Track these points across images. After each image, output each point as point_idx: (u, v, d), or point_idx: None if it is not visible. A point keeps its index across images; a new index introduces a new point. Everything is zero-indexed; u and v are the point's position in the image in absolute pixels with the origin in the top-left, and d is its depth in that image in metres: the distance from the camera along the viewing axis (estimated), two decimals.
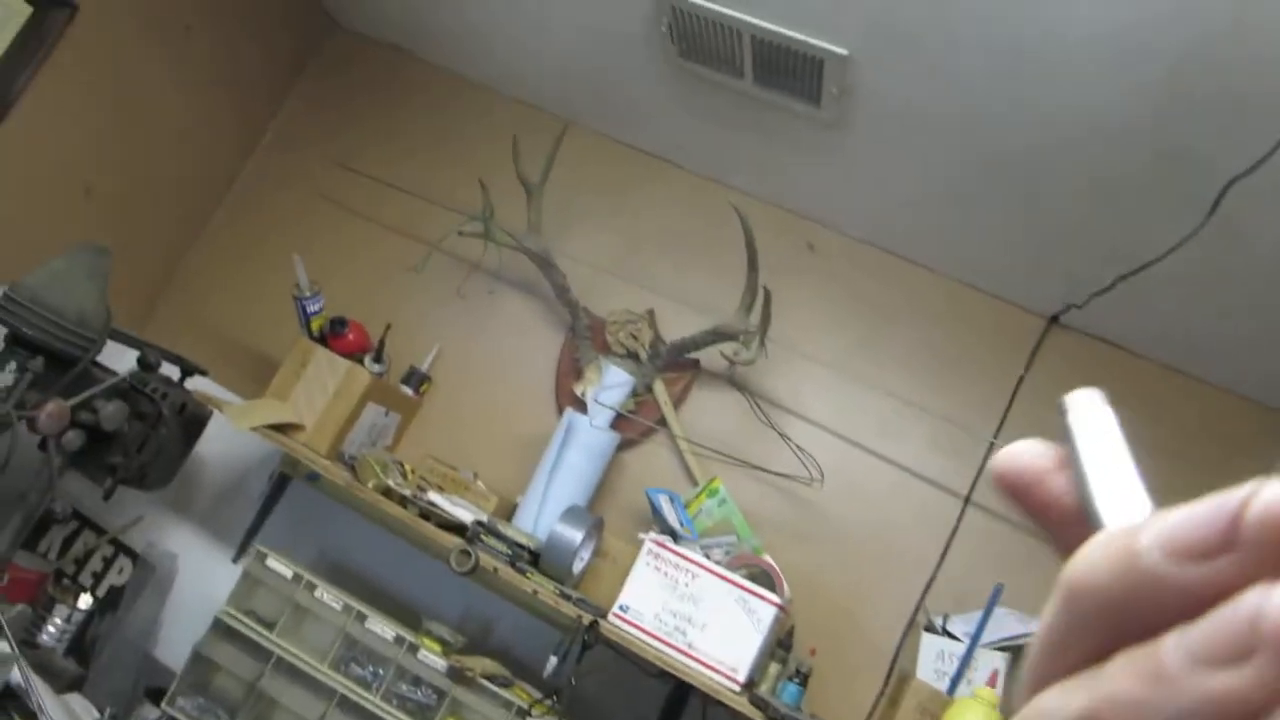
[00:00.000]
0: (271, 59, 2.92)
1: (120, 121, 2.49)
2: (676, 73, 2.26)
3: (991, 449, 2.36)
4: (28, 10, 2.10)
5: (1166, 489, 0.22)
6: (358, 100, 2.95)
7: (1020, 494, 0.24)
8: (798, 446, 2.37)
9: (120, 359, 2.05)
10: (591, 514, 2.17)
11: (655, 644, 1.94)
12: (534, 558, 2.08)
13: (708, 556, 2.03)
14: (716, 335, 2.34)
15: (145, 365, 2.02)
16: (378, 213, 2.80)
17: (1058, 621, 0.21)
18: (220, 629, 2.18)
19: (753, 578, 2.01)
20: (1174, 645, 0.19)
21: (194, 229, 2.89)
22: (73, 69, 2.28)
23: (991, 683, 1.89)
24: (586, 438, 2.31)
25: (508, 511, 2.32)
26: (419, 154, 2.85)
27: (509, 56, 2.67)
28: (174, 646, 2.40)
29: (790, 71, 2.02)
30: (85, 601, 2.30)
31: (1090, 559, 0.21)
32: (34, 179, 2.32)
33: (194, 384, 2.18)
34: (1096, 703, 0.20)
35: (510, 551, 2.03)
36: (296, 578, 2.19)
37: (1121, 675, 0.20)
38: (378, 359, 2.42)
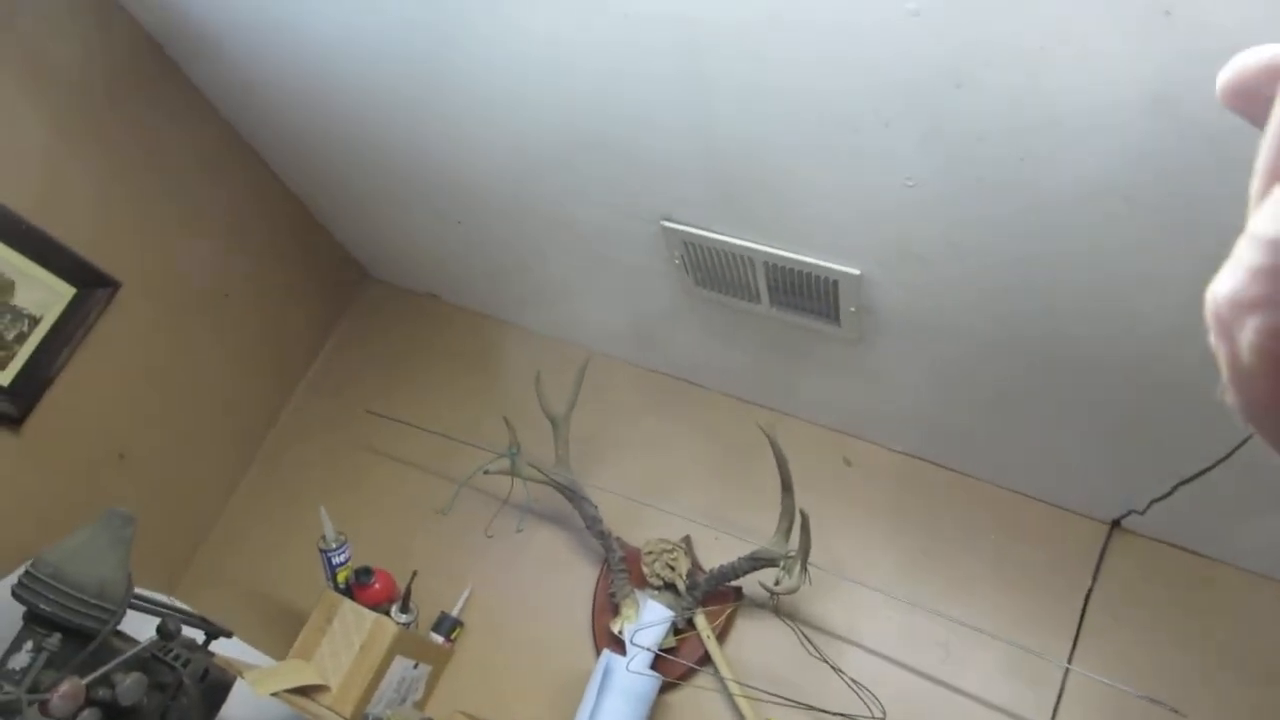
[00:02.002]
0: (306, 316, 3.04)
1: (157, 387, 2.56)
2: (695, 300, 2.29)
3: (1067, 674, 2.15)
4: (71, 292, 2.20)
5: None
6: (387, 346, 3.04)
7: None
8: (853, 680, 2.18)
9: (144, 625, 1.99)
10: None
11: None
12: None
13: None
14: (755, 561, 2.23)
15: (165, 633, 1.96)
16: (406, 455, 2.80)
17: None
18: None
19: None
20: None
21: (227, 487, 2.90)
22: (113, 342, 2.36)
23: None
24: (625, 681, 2.16)
25: None
26: (445, 393, 2.88)
27: (534, 296, 2.74)
28: None
29: (805, 293, 2.03)
30: None
31: None
32: (68, 451, 2.36)
33: (219, 646, 2.11)
34: None
35: None
36: None
37: None
38: (404, 608, 2.33)
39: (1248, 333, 0.20)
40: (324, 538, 2.29)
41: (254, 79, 2.28)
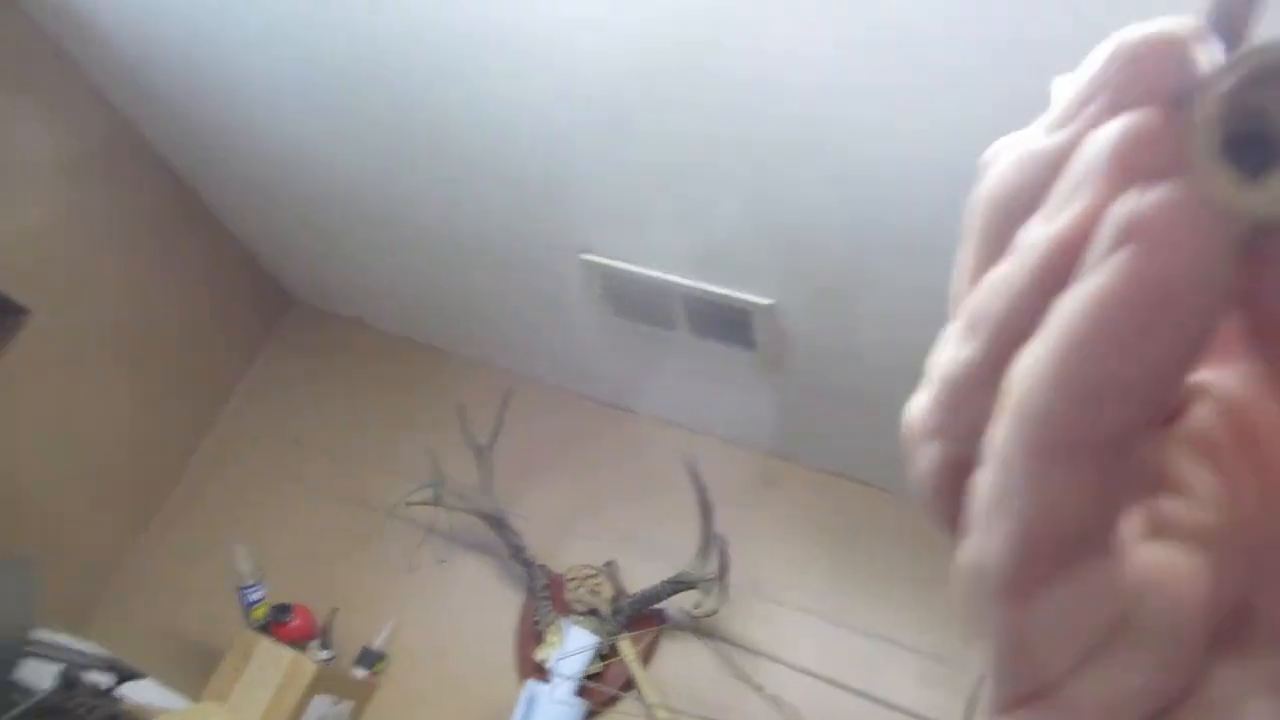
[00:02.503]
0: (228, 342, 2.98)
1: (68, 420, 2.48)
2: (615, 328, 2.31)
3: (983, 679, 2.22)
4: None
5: None
6: (312, 374, 3.00)
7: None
8: (775, 697, 2.22)
9: (49, 673, 1.93)
10: None
11: None
12: None
13: None
14: (677, 585, 2.26)
15: (69, 679, 1.90)
16: (330, 486, 2.76)
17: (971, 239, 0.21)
18: None
19: None
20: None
21: (141, 521, 2.82)
22: (21, 372, 2.29)
23: None
24: (550, 710, 2.16)
25: None
26: (370, 421, 2.85)
27: (459, 321, 2.74)
28: None
29: (721, 322, 2.07)
30: None
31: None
32: None
33: (131, 689, 2.05)
34: (973, 295, 0.20)
35: None
36: None
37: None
38: (325, 645, 2.30)
39: (921, 459, 0.20)
40: (240, 574, 2.25)
41: (171, 96, 2.24)
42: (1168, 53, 0.19)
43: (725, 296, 1.97)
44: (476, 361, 2.86)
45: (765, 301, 1.94)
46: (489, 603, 2.53)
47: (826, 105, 1.45)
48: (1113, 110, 0.20)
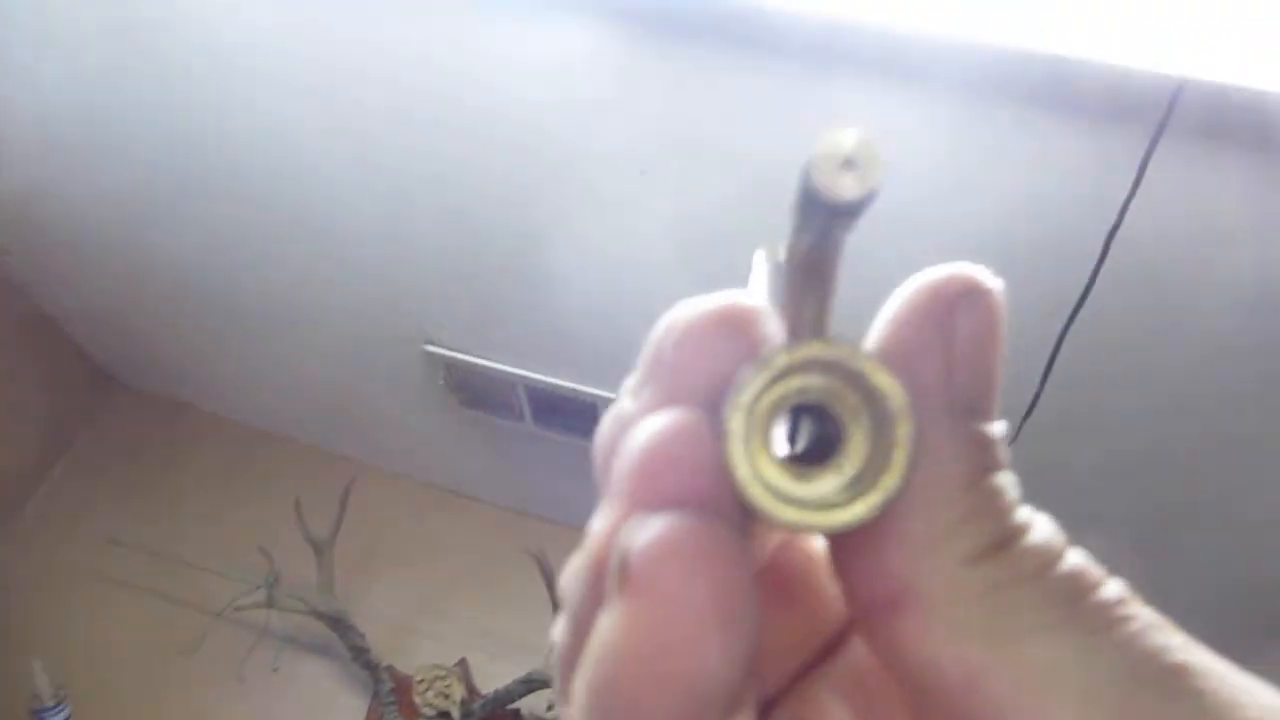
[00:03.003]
0: (36, 432, 2.74)
1: None
2: (461, 418, 2.25)
3: None
4: None
5: None
6: (134, 464, 2.78)
7: None
8: None
9: None
10: None
11: None
12: None
13: None
14: (530, 684, 2.18)
15: None
16: (152, 588, 2.55)
17: None
18: None
19: None
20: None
21: None
22: None
23: None
24: None
25: None
26: (199, 515, 2.67)
27: (296, 405, 2.61)
28: None
29: (569, 413, 2.05)
30: None
31: None
32: None
33: None
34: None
35: None
36: None
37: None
38: None
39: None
40: (37, 695, 2.04)
41: None
42: (718, 337, 0.20)
43: (573, 390, 1.94)
44: (316, 450, 2.73)
45: (611, 395, 1.92)
46: (329, 711, 2.38)
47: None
48: (659, 400, 0.20)
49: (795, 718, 0.24)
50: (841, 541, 0.20)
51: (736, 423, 0.19)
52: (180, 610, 2.50)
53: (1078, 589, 0.18)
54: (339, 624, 2.30)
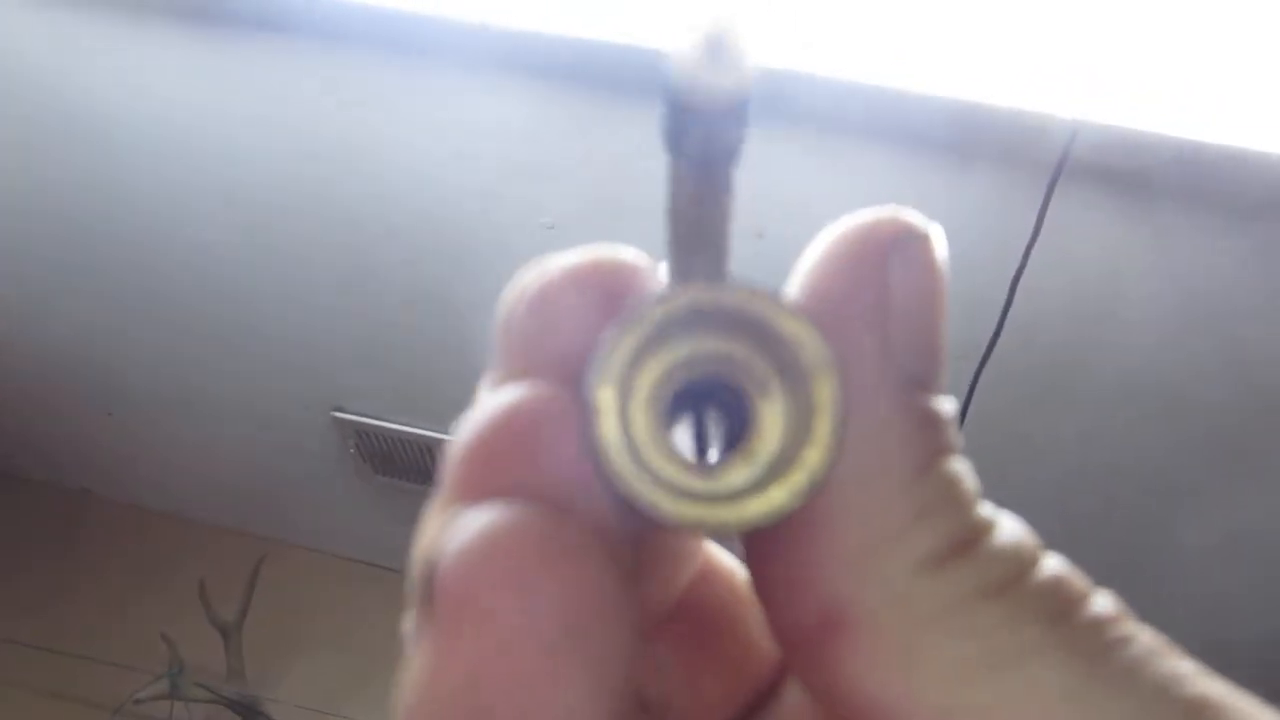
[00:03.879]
0: None
1: None
2: (376, 486, 2.18)
3: None
4: None
5: None
6: (25, 554, 2.61)
7: None
8: None
9: None
10: None
11: None
12: None
13: None
14: None
15: None
16: (45, 685, 2.38)
17: None
18: None
19: None
20: None
21: None
22: None
23: None
24: None
25: None
26: (96, 606, 2.50)
27: (198, 483, 2.48)
28: None
29: None
30: None
31: None
32: None
33: None
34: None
35: None
36: None
37: None
38: None
39: None
40: None
41: None
42: (582, 296, 0.16)
43: None
44: (222, 529, 2.60)
45: None
46: None
47: None
48: (505, 379, 0.16)
49: None
50: (760, 550, 0.16)
51: (605, 396, 0.15)
52: (75, 708, 2.33)
53: (1061, 603, 0.15)
54: (251, 712, 2.17)
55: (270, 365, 1.92)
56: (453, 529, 0.15)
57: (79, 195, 1.66)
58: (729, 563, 0.21)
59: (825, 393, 0.14)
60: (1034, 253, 1.17)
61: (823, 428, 0.14)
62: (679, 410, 0.16)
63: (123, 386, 2.16)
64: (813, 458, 0.14)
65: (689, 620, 0.20)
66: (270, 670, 2.33)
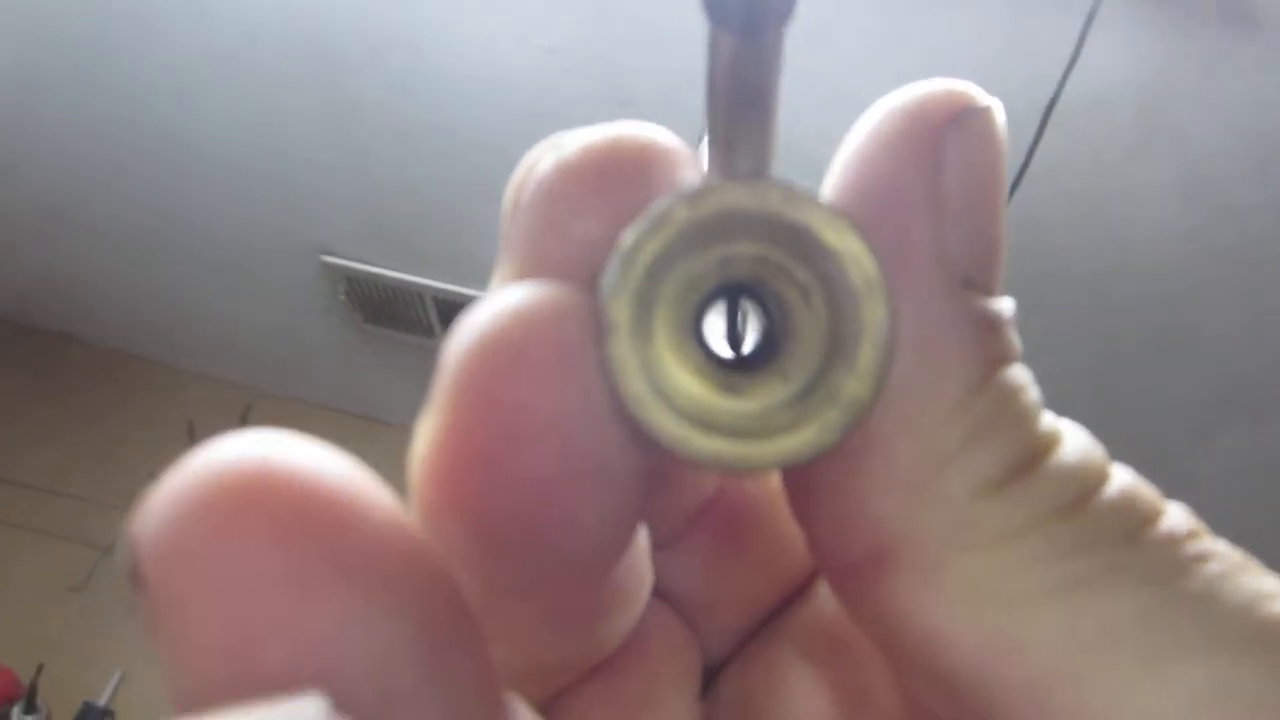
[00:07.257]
0: None
1: None
2: (366, 336, 2.16)
3: None
4: None
5: None
6: (9, 397, 2.59)
7: None
8: None
9: None
10: None
11: None
12: None
13: None
14: None
15: None
16: (35, 523, 2.40)
17: None
18: None
19: None
20: None
21: None
22: None
23: None
24: None
25: None
26: (84, 449, 2.51)
27: (186, 330, 2.46)
28: None
29: None
30: None
31: None
32: None
33: None
34: None
35: None
36: None
37: None
38: (30, 708, 2.00)
39: None
40: None
41: None
42: (601, 186, 0.14)
43: (480, 298, 1.87)
44: (209, 376, 2.59)
45: None
46: None
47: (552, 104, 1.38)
48: (514, 273, 0.15)
49: (745, 687, 0.19)
50: (798, 480, 0.15)
51: (620, 308, 0.13)
52: (68, 547, 2.37)
53: (1134, 521, 0.14)
54: None
55: (254, 202, 1.85)
56: (463, 328, 0.14)
57: (70, 27, 1.57)
58: None
59: (874, 317, 0.13)
60: (1070, 80, 1.11)
61: (867, 358, 0.13)
62: (709, 304, 0.14)
63: (110, 228, 2.09)
64: (854, 390, 0.13)
65: (718, 516, 0.19)
66: None
